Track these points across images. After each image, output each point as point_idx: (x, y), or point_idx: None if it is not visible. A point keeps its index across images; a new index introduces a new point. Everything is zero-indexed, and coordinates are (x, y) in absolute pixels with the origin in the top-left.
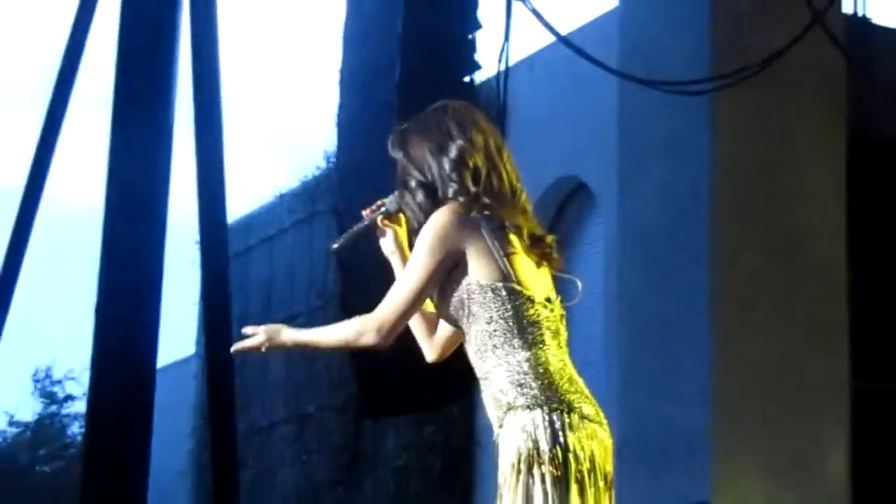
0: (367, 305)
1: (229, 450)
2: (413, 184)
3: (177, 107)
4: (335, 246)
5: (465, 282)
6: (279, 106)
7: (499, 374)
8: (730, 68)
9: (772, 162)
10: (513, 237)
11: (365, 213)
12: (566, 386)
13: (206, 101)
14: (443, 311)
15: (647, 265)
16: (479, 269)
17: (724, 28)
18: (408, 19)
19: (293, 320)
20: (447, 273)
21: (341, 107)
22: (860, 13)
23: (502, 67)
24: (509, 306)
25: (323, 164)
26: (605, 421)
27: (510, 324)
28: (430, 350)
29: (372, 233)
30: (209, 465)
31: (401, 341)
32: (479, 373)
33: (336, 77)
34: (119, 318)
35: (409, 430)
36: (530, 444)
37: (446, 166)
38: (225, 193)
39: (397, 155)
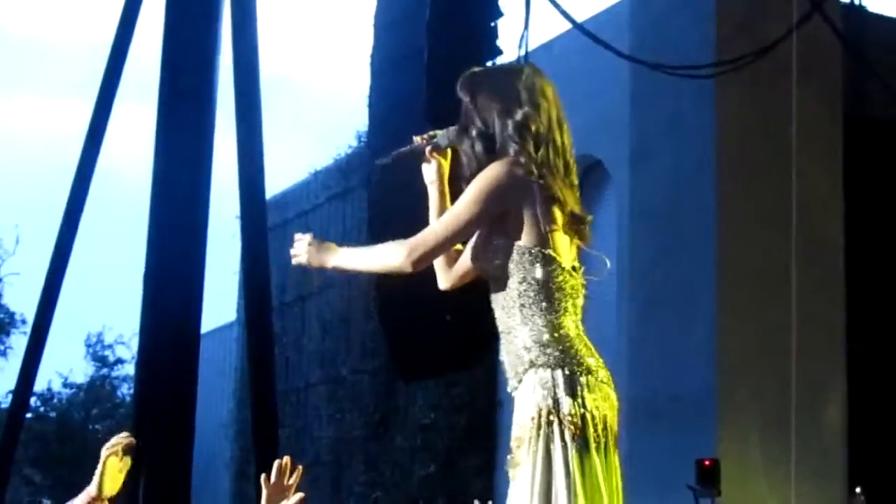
0: (398, 274)
1: (269, 408)
2: (474, 132)
3: (219, 92)
4: (382, 161)
5: (506, 239)
6: (314, 89)
7: (523, 332)
8: (734, 54)
9: (773, 140)
10: (556, 210)
11: (416, 138)
12: (584, 350)
13: (245, 86)
14: (479, 260)
15: (657, 236)
16: (523, 231)
17: (729, 15)
18: (435, 8)
19: (328, 289)
20: (491, 224)
21: (373, 90)
22: (856, 2)
23: (522, 53)
24: (543, 271)
25: (355, 143)
26: (613, 384)
27: (541, 287)
28: (446, 280)
29: (417, 157)
30: (250, 423)
31: (429, 309)
32: (501, 326)
33: (368, 62)
34: (166, 286)
35: (436, 391)
36: (550, 401)
37: (510, 127)
38: (263, 171)
39: (465, 98)
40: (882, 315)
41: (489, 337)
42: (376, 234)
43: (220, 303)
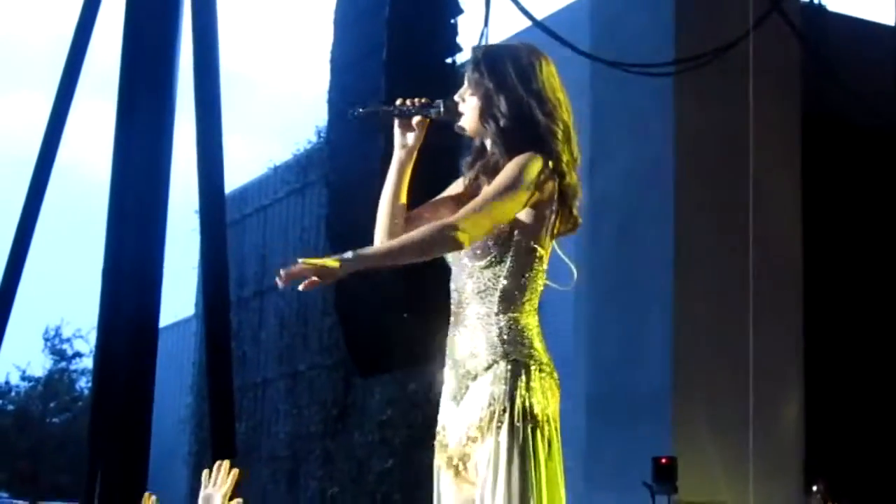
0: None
1: (226, 403)
2: (498, 115)
3: (178, 87)
4: (360, 110)
5: (517, 232)
6: (273, 85)
7: (500, 321)
8: (692, 52)
9: (731, 139)
10: (567, 212)
11: (404, 101)
12: (544, 348)
13: (205, 81)
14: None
15: (615, 235)
16: (535, 230)
17: (688, 14)
18: (394, 5)
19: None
20: None
21: (332, 86)
22: (816, 1)
23: None
24: (534, 271)
25: (314, 139)
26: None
27: (528, 284)
28: (389, 232)
29: (396, 118)
30: (207, 417)
31: (387, 305)
32: (470, 309)
33: (327, 58)
34: (125, 280)
35: (393, 387)
36: (519, 396)
37: (540, 120)
38: (223, 166)
39: (480, 76)
40: (839, 312)
41: (445, 333)
42: (335, 229)
43: (179, 297)
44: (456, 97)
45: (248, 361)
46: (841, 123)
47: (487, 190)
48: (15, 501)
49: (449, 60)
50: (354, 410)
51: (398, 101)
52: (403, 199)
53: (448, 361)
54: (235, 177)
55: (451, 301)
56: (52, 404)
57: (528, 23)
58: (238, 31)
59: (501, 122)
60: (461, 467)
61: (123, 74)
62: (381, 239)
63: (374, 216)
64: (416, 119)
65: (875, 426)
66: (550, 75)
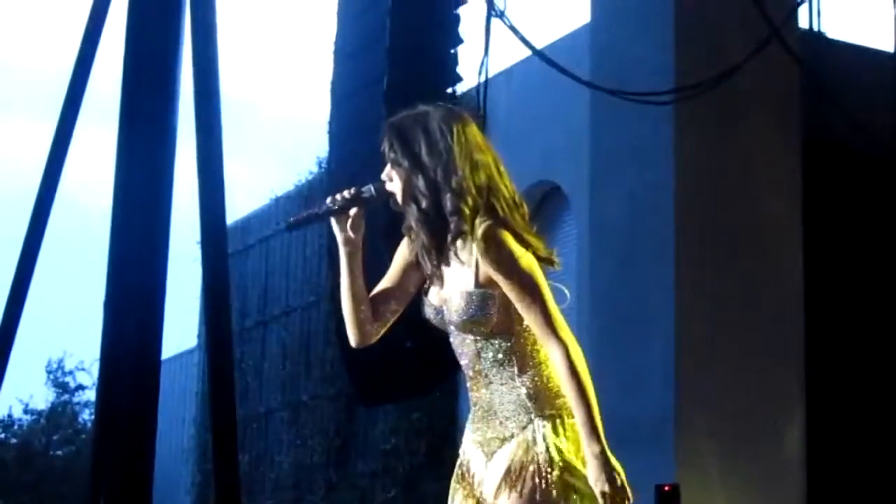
0: None
1: (229, 434)
2: (419, 195)
3: (179, 117)
4: (292, 220)
5: (495, 291)
6: (275, 115)
7: (524, 380)
8: (692, 80)
9: (731, 167)
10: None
11: (333, 198)
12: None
13: (206, 111)
14: (475, 315)
15: (616, 262)
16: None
17: (688, 42)
18: (395, 35)
19: (288, 315)
20: (478, 281)
21: (333, 116)
22: (815, 28)
23: (482, 79)
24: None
25: (315, 170)
26: None
27: (534, 342)
28: (363, 335)
29: (331, 216)
30: (210, 448)
31: (389, 335)
32: (492, 375)
33: (328, 88)
34: (126, 312)
35: (396, 416)
36: (556, 451)
37: (465, 185)
38: (224, 197)
39: (402, 161)
40: (841, 339)
41: (448, 363)
42: (337, 261)
43: (181, 328)
44: (383, 176)
45: (251, 392)
46: (841, 150)
47: (522, 299)
48: None
49: (450, 90)
50: (358, 440)
51: (328, 200)
52: (362, 287)
53: (477, 416)
54: (237, 207)
55: (462, 365)
56: (55, 437)
57: (528, 52)
58: (239, 60)
59: (423, 204)
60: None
61: (124, 103)
62: (353, 335)
63: (374, 247)
64: (352, 211)
65: (879, 454)
66: (465, 138)
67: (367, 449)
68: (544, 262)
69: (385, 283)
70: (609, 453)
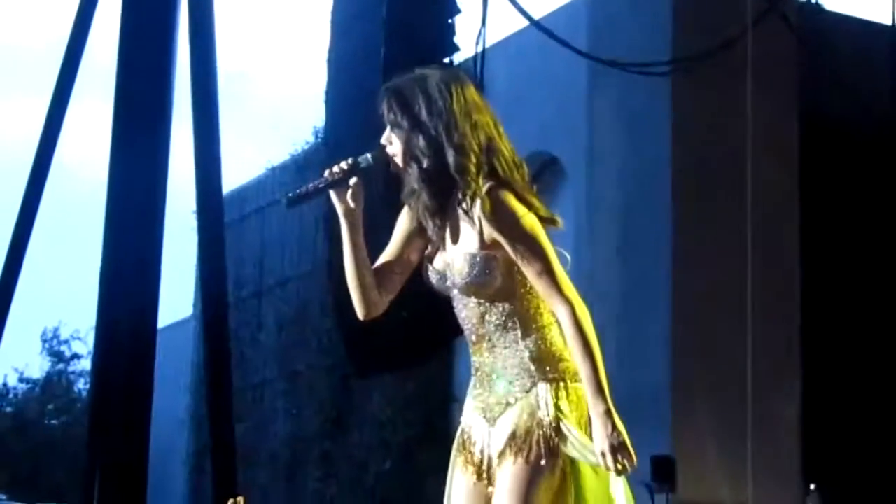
0: None
1: (225, 404)
2: (420, 155)
3: (176, 87)
4: (289, 195)
5: (498, 253)
6: (272, 85)
7: (528, 343)
8: (690, 51)
9: (729, 139)
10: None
11: (331, 171)
12: (569, 353)
13: (203, 81)
14: (478, 279)
15: (613, 233)
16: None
17: (686, 13)
18: (392, 5)
19: (284, 285)
20: (481, 243)
21: (330, 86)
22: (814, 1)
23: (479, 49)
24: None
25: (312, 140)
26: None
27: (537, 305)
28: (370, 307)
29: (330, 189)
30: (206, 419)
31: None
32: (495, 339)
33: (325, 59)
34: (123, 281)
35: (392, 388)
36: (559, 415)
37: (451, 155)
38: (220, 167)
39: (402, 122)
40: (837, 313)
41: (444, 333)
42: (333, 231)
43: (177, 298)
44: (382, 140)
45: (247, 362)
46: (839, 122)
47: (526, 259)
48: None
49: (447, 60)
50: (353, 411)
51: (326, 173)
52: (365, 259)
53: (480, 381)
54: (233, 177)
55: (464, 330)
56: (50, 406)
57: (526, 23)
58: (236, 30)
59: (424, 163)
60: (484, 475)
61: (120, 74)
62: (360, 307)
63: (374, 219)
64: (351, 181)
65: (874, 425)
66: (464, 99)
67: (363, 420)
68: (546, 222)
69: (387, 255)
70: (614, 413)
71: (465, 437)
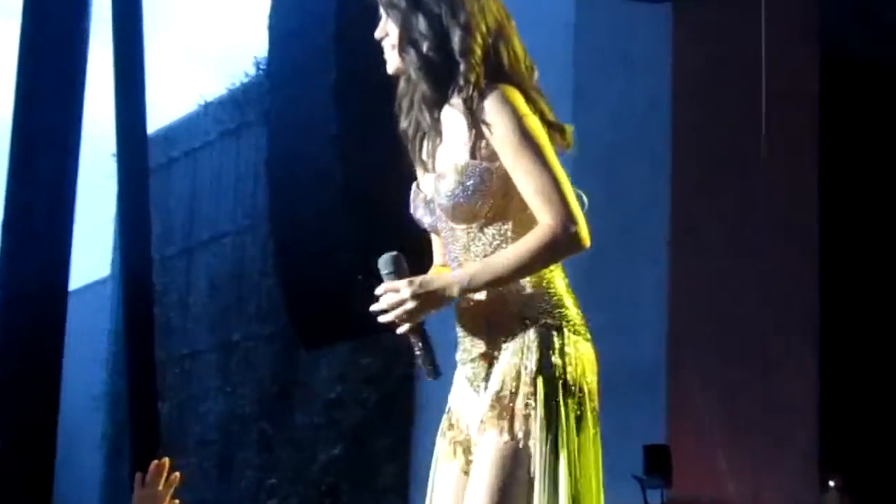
0: (300, 223)
1: (147, 379)
2: (419, 37)
3: (94, 11)
4: (436, 368)
5: (486, 163)
6: (206, 9)
7: (518, 283)
8: None
9: (738, 78)
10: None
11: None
12: (578, 309)
13: (123, 6)
14: (469, 201)
15: (602, 184)
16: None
17: None
18: None
19: (218, 241)
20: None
21: (273, 9)
22: None
23: None
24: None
25: (252, 72)
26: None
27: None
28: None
29: (426, 339)
30: (125, 395)
31: (336, 265)
32: None
33: None
34: (29, 236)
35: (343, 361)
36: (552, 365)
37: (474, 22)
38: (145, 101)
39: (399, 3)
40: (860, 278)
41: None
42: (275, 176)
43: (92, 255)
44: (377, 33)
45: (174, 330)
46: (863, 62)
47: (524, 166)
48: None
49: None
50: (297, 388)
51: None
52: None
53: (462, 340)
54: (159, 115)
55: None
56: None
57: None
58: None
59: (424, 47)
60: (472, 457)
61: None
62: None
63: (320, 164)
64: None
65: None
66: None
67: (309, 398)
68: (553, 129)
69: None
70: (449, 296)
71: (452, 417)
